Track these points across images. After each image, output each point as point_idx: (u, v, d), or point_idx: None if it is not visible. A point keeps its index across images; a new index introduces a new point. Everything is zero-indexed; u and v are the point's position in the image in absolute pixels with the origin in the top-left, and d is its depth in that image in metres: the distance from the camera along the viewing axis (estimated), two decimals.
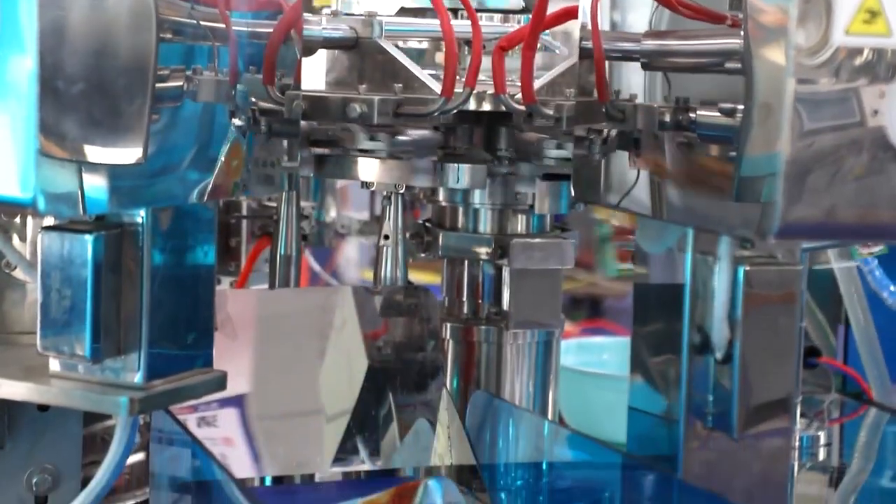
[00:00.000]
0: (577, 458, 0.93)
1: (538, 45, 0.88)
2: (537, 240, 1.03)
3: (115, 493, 1.07)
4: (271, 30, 0.82)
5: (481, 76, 0.93)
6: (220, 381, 0.80)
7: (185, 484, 0.88)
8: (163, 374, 0.76)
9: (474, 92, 0.92)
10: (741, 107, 0.71)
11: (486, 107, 0.94)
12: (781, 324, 0.84)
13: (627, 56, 0.84)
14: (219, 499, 0.80)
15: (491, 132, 1.00)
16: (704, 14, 0.75)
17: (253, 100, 0.82)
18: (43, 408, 0.87)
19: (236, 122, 0.80)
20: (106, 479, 0.78)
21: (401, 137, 0.92)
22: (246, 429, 1.02)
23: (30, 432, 0.88)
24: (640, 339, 0.92)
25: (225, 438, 1.01)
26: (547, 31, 0.93)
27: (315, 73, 0.98)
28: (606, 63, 0.83)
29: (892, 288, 1.16)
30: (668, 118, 0.78)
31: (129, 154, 0.70)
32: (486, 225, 1.04)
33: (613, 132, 0.85)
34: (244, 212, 1.28)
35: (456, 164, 0.97)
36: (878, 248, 1.09)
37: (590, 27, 0.83)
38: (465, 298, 1.06)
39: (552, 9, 0.85)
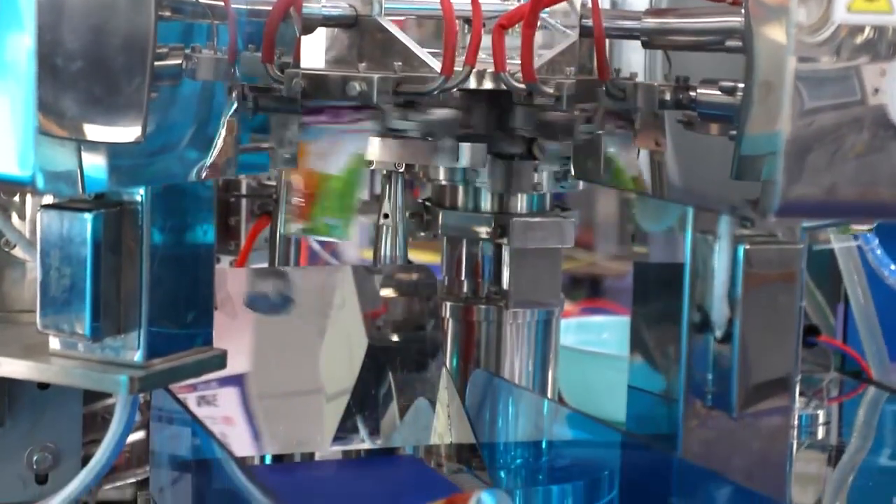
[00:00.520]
0: (577, 437, 0.93)
1: (538, 24, 0.88)
2: (537, 219, 1.03)
3: (116, 471, 1.08)
4: (270, 7, 0.82)
5: (482, 54, 0.92)
6: (220, 360, 0.80)
7: (185, 462, 0.88)
8: (163, 353, 0.77)
9: (475, 70, 0.92)
10: (742, 85, 0.71)
11: (487, 85, 0.94)
12: (781, 302, 0.84)
13: (628, 34, 0.83)
14: (219, 477, 0.81)
15: (504, 111, 1.00)
16: None
17: (254, 78, 0.82)
18: (43, 386, 0.88)
19: (236, 100, 0.79)
20: (106, 458, 0.78)
21: (425, 117, 0.91)
22: (246, 408, 1.02)
23: (30, 411, 0.88)
24: (639, 318, 0.93)
25: (225, 417, 1.01)
26: (547, 10, 0.93)
27: (314, 52, 0.98)
28: (607, 41, 0.83)
29: (892, 266, 1.16)
30: (668, 97, 0.78)
31: (128, 133, 0.70)
32: (486, 204, 1.04)
33: (600, 111, 0.85)
34: (244, 191, 1.28)
35: (457, 143, 0.97)
36: (867, 227, 1.09)
37: (590, 5, 0.83)
38: (464, 278, 1.06)
39: None
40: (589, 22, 0.84)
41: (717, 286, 0.83)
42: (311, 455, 1.03)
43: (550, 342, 1.06)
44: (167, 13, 0.71)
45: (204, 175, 0.77)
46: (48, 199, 0.76)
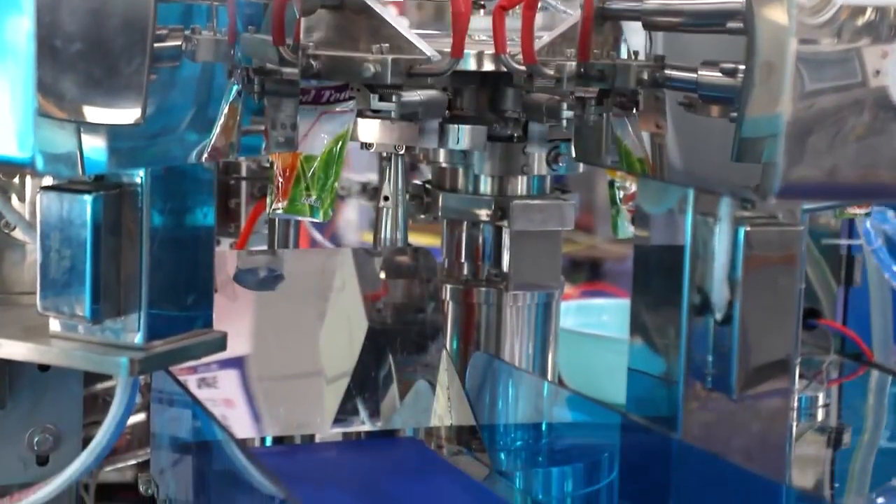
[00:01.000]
0: (577, 419, 0.93)
1: (539, 5, 0.87)
2: (537, 201, 1.03)
3: (116, 453, 1.08)
4: None
5: (482, 36, 0.92)
6: (221, 342, 0.80)
7: (185, 444, 0.88)
8: (163, 335, 0.77)
9: (474, 52, 0.92)
10: (742, 67, 0.70)
11: (487, 66, 0.94)
12: (781, 285, 0.84)
13: (629, 15, 0.83)
14: (219, 459, 0.81)
15: (497, 93, 1.00)
16: None
17: (254, 60, 0.82)
18: (43, 368, 0.88)
19: (236, 82, 0.79)
20: (107, 440, 0.78)
21: (410, 99, 0.91)
22: (246, 390, 1.02)
23: (30, 392, 0.88)
24: (639, 301, 0.92)
25: (225, 399, 1.02)
26: None
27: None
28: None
29: (893, 268, 1.16)
30: (646, 76, 0.78)
31: (127, 114, 0.70)
32: (486, 186, 1.04)
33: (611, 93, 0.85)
34: (243, 173, 1.28)
35: (456, 125, 0.97)
36: (862, 211, 1.08)
37: None
38: (464, 260, 1.06)
39: None
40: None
41: (718, 268, 0.83)
42: (312, 437, 1.04)
43: (550, 325, 1.06)
44: None
45: (204, 157, 0.77)
46: (48, 181, 0.76)
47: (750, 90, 0.70)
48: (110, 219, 0.74)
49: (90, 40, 0.67)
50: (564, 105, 0.90)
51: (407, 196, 1.06)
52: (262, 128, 0.85)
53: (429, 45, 0.90)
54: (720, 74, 0.73)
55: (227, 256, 1.05)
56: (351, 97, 0.96)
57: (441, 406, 1.04)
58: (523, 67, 0.90)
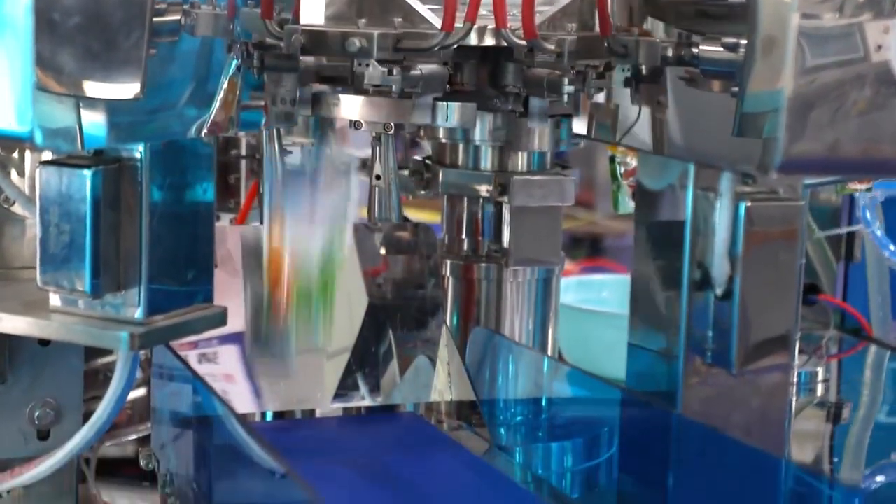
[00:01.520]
0: (577, 394, 0.94)
1: None
2: (538, 177, 1.02)
3: (117, 427, 1.08)
4: None
5: (483, 10, 0.92)
6: (221, 317, 0.80)
7: (186, 419, 0.88)
8: (163, 310, 0.76)
9: (475, 27, 0.91)
10: (744, 42, 0.70)
11: (488, 41, 0.93)
12: (782, 260, 0.84)
13: None
14: (220, 434, 0.81)
15: (497, 68, 0.99)
16: None
17: (253, 35, 0.81)
18: (44, 342, 0.88)
19: (236, 57, 0.79)
20: (107, 414, 0.79)
21: (410, 73, 0.91)
22: (246, 365, 1.02)
23: (31, 367, 0.88)
24: (640, 276, 0.93)
25: (225, 375, 1.02)
26: None
27: (313, 8, 0.97)
28: None
29: (892, 247, 1.16)
30: (670, 53, 0.77)
31: (126, 89, 0.70)
32: (486, 162, 1.04)
33: (613, 67, 0.85)
34: (243, 149, 1.28)
35: (445, 102, 0.97)
36: (864, 186, 1.08)
37: None
38: (465, 236, 1.06)
39: None
40: None
41: (718, 243, 0.83)
42: (312, 412, 1.04)
43: (550, 300, 1.06)
44: None
45: (204, 132, 0.77)
46: (47, 156, 0.76)
47: (751, 65, 0.69)
48: (110, 193, 0.74)
49: (89, 14, 0.67)
50: (565, 80, 0.89)
51: (406, 172, 1.06)
52: (262, 103, 0.85)
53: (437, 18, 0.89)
54: (722, 49, 0.73)
55: (226, 232, 1.05)
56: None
57: (441, 381, 1.04)
58: (524, 42, 0.89)
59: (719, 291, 0.83)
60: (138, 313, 0.75)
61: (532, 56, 0.91)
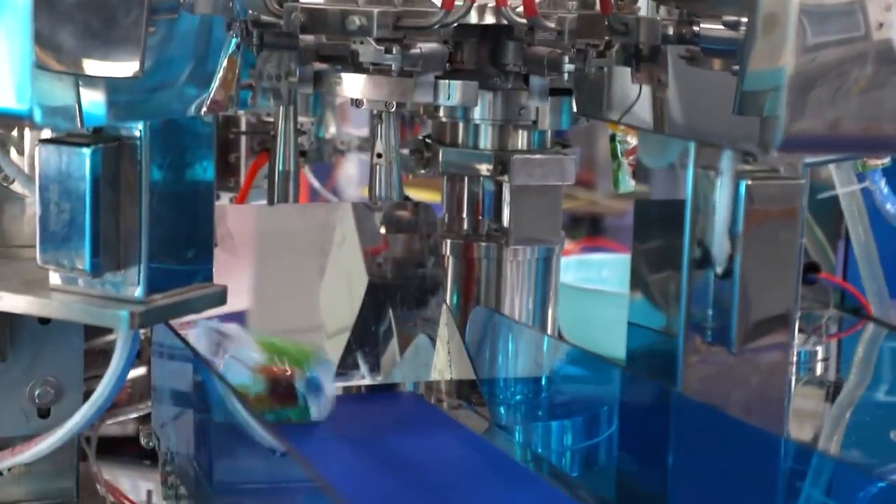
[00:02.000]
0: (576, 373, 0.94)
1: None
2: (538, 156, 1.02)
3: (118, 406, 1.08)
4: None
5: None
6: (221, 296, 0.80)
7: (186, 398, 0.88)
8: (163, 289, 0.76)
9: (475, 4, 0.91)
10: (745, 20, 0.70)
11: (489, 19, 0.93)
12: (782, 239, 0.84)
13: None
14: (220, 412, 0.81)
15: (497, 46, 0.99)
16: None
17: (251, 12, 0.81)
18: (44, 321, 0.88)
19: (234, 35, 0.79)
20: (108, 392, 0.79)
21: (410, 52, 0.90)
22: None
23: (31, 345, 0.88)
24: (640, 255, 0.92)
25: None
26: None
27: None
28: None
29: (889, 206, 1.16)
30: (671, 31, 0.77)
31: (125, 67, 0.70)
32: (486, 141, 1.04)
33: (614, 46, 0.84)
34: (243, 127, 1.27)
35: (447, 81, 0.96)
36: (882, 162, 1.08)
37: None
38: (465, 215, 1.06)
39: None
40: None
41: (718, 222, 0.83)
42: None
43: (550, 279, 1.06)
44: None
45: (203, 110, 0.77)
46: (46, 134, 0.75)
47: (752, 43, 0.69)
48: (109, 172, 0.74)
49: None
50: (566, 58, 0.89)
51: (406, 151, 1.06)
52: (276, 80, 0.85)
53: None
54: (722, 27, 0.72)
55: (226, 210, 1.05)
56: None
57: (441, 360, 1.04)
58: (524, 20, 0.89)
59: (719, 270, 0.83)
60: (138, 292, 0.75)
61: (532, 34, 0.91)
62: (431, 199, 1.12)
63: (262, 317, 1.02)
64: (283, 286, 1.04)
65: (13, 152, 0.86)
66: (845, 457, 0.93)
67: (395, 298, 1.05)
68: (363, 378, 1.03)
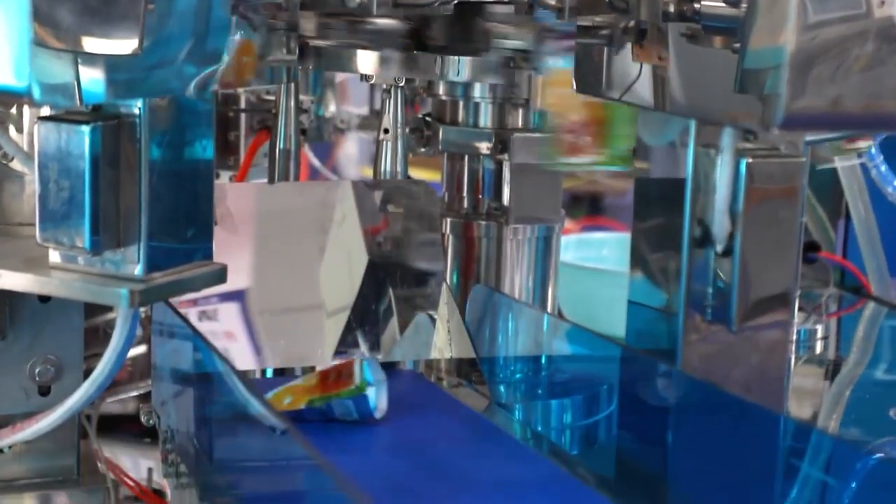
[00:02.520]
0: (576, 351, 0.94)
1: None
2: (538, 134, 1.02)
3: (118, 385, 1.09)
4: None
5: None
6: (221, 274, 0.80)
7: (186, 376, 0.88)
8: (163, 267, 0.76)
9: None
10: None
11: None
12: (782, 217, 0.84)
13: None
14: (220, 390, 0.81)
15: (464, 23, 0.99)
16: None
17: None
18: (44, 299, 0.88)
19: (232, 13, 0.78)
20: (108, 370, 0.79)
21: (365, 27, 0.91)
22: (247, 323, 1.02)
23: (31, 323, 0.88)
24: (640, 233, 0.92)
25: (226, 332, 1.02)
26: None
27: None
28: None
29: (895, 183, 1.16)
30: (672, 8, 0.77)
31: (124, 44, 0.69)
32: (486, 119, 1.03)
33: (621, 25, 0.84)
34: (242, 105, 1.27)
35: (456, 57, 0.96)
36: (865, 144, 1.08)
37: None
38: (465, 194, 1.06)
39: None
40: None
41: (719, 200, 0.83)
42: (313, 369, 1.04)
43: (550, 258, 1.06)
44: None
45: (203, 88, 0.76)
46: (45, 111, 0.75)
47: (753, 21, 0.69)
48: (109, 150, 0.73)
49: None
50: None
51: (407, 129, 1.06)
52: (270, 59, 0.84)
53: None
54: (723, 5, 0.72)
55: (226, 189, 1.05)
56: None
57: (441, 339, 1.04)
58: None
59: (720, 248, 0.83)
60: (138, 270, 0.75)
61: (532, 11, 0.91)
62: (431, 179, 1.12)
63: (262, 295, 1.02)
64: (283, 265, 1.04)
65: (12, 130, 0.85)
66: (844, 435, 0.94)
67: (395, 277, 1.05)
68: (363, 356, 1.03)
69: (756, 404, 0.76)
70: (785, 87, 0.68)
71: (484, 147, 1.03)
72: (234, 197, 1.02)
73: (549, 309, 1.06)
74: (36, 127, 0.74)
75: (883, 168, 1.14)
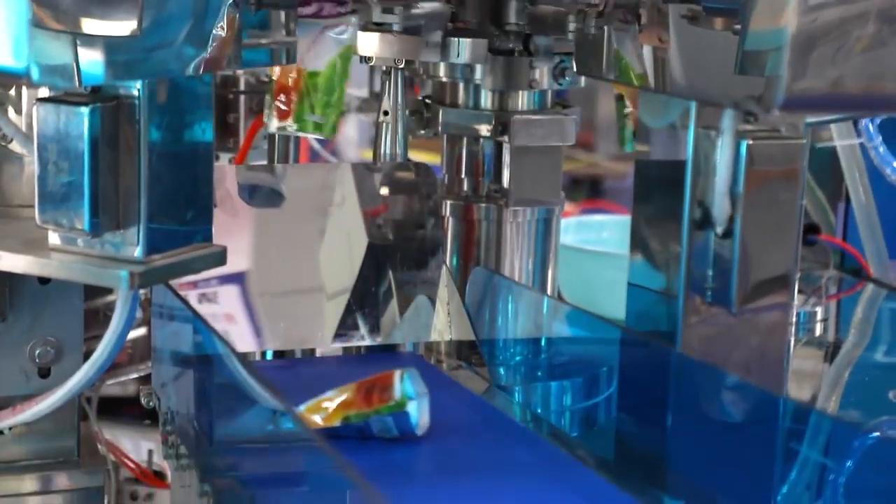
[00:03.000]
0: (576, 334, 0.94)
1: None
2: (538, 116, 1.02)
3: (118, 367, 1.09)
4: None
5: None
6: (220, 256, 0.80)
7: (186, 358, 0.88)
8: (162, 249, 0.76)
9: None
10: None
11: None
12: (783, 199, 0.83)
13: None
14: (220, 372, 0.81)
15: (500, 6, 0.99)
16: None
17: None
18: (44, 281, 0.88)
19: None
20: (108, 352, 0.79)
21: (413, 11, 0.90)
22: (246, 305, 1.02)
23: (31, 305, 0.88)
24: (640, 216, 0.92)
25: (226, 314, 1.02)
26: None
27: None
28: None
29: (895, 164, 1.16)
30: None
31: (123, 25, 0.69)
32: (486, 101, 1.03)
33: (610, 5, 0.84)
34: (242, 87, 1.27)
35: (457, 39, 0.96)
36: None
37: None
38: (465, 176, 1.06)
39: None
40: None
41: (719, 182, 0.82)
42: (312, 351, 1.04)
43: (550, 241, 1.06)
44: None
45: (202, 69, 0.76)
46: (44, 93, 0.75)
47: (754, 2, 0.69)
48: (108, 131, 0.73)
49: None
50: (570, 17, 0.88)
51: (407, 112, 1.06)
52: (261, 41, 0.84)
53: None
54: None
55: (226, 171, 1.05)
56: (353, 10, 0.95)
57: (441, 321, 1.04)
58: None
59: (720, 230, 0.83)
60: (137, 252, 0.75)
61: None
62: (431, 161, 1.12)
63: (262, 277, 1.02)
64: (283, 247, 1.04)
65: (11, 111, 0.85)
66: (844, 416, 0.94)
67: (394, 259, 1.05)
68: (363, 339, 1.04)
69: (756, 386, 0.76)
70: (786, 68, 0.68)
71: (484, 129, 1.03)
72: (234, 179, 1.02)
73: (548, 291, 1.06)
74: (34, 108, 0.73)
75: (882, 149, 1.14)
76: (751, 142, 0.82)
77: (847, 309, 1.23)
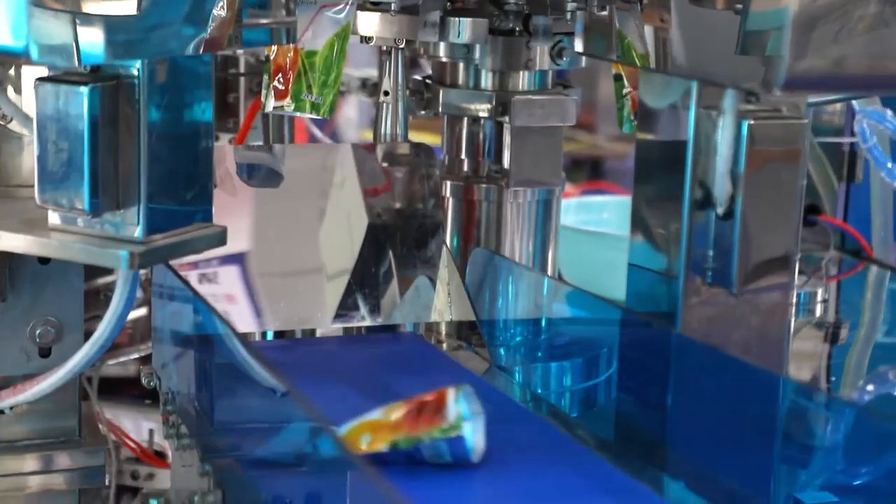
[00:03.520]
0: (576, 314, 0.94)
1: None
2: (539, 97, 1.02)
3: (119, 347, 1.09)
4: None
5: None
6: (221, 236, 0.80)
7: (187, 338, 0.88)
8: (162, 229, 0.76)
9: None
10: None
11: None
12: (784, 179, 0.83)
13: None
14: (221, 352, 0.81)
15: None
16: None
17: None
18: (44, 261, 0.88)
19: None
20: (109, 332, 0.79)
21: None
22: (247, 285, 1.02)
23: (31, 285, 0.88)
24: (641, 196, 0.92)
25: (226, 295, 1.02)
26: None
27: None
28: None
29: (889, 165, 1.16)
30: None
31: (123, 5, 0.69)
32: (486, 82, 1.03)
33: None
34: (241, 68, 1.27)
35: (457, 18, 0.96)
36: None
37: None
38: (465, 156, 1.06)
39: None
40: None
41: (720, 163, 0.82)
42: (313, 332, 1.04)
43: (551, 221, 1.06)
44: None
45: (202, 49, 0.76)
46: (44, 72, 0.75)
47: None
48: (107, 111, 0.73)
49: None
50: None
51: (407, 92, 1.05)
52: (261, 20, 0.84)
53: None
54: None
55: (225, 151, 1.04)
56: None
57: (441, 301, 1.04)
58: None
59: (720, 211, 0.83)
60: (138, 232, 0.75)
61: None
62: (431, 141, 1.12)
63: (263, 258, 1.02)
64: (284, 227, 1.04)
65: (10, 91, 0.85)
66: (843, 395, 0.94)
67: (395, 240, 1.04)
68: (363, 319, 1.04)
69: (756, 366, 0.76)
70: (787, 48, 0.68)
71: (484, 109, 1.02)
72: (234, 159, 1.02)
73: (549, 272, 1.06)
74: (34, 88, 0.73)
75: (877, 151, 1.14)
76: (752, 122, 0.81)
77: (847, 290, 1.23)
